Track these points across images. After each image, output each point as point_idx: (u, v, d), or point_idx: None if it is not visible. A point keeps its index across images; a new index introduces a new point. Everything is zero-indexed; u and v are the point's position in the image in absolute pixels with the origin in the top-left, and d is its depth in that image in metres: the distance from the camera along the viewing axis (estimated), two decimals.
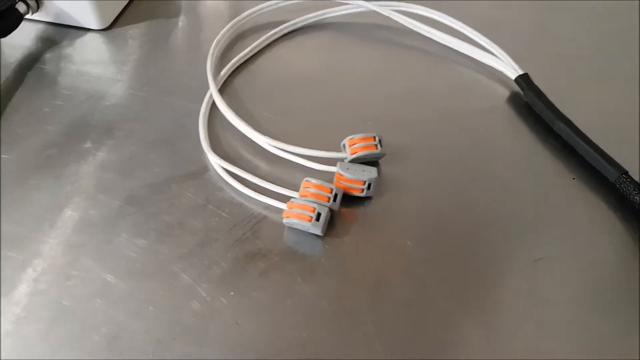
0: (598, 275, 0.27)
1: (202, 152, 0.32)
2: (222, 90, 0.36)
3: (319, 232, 0.28)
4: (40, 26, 0.40)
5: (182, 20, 0.42)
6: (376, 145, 0.30)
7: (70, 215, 0.29)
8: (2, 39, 0.38)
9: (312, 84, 0.37)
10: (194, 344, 0.24)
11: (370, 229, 0.29)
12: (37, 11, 0.39)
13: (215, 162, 0.31)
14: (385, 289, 0.26)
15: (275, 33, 0.40)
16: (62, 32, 0.40)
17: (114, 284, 0.26)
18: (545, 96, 0.34)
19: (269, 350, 0.24)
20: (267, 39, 0.40)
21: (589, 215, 0.30)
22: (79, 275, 0.26)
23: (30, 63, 0.38)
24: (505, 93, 0.37)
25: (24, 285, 0.26)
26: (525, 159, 0.33)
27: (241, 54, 0.38)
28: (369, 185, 0.29)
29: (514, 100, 0.36)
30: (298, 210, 0.28)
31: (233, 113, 0.32)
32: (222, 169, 0.30)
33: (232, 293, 0.26)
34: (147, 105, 0.35)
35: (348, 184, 0.29)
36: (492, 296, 0.26)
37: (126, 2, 0.42)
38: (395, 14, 0.39)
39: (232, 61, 0.37)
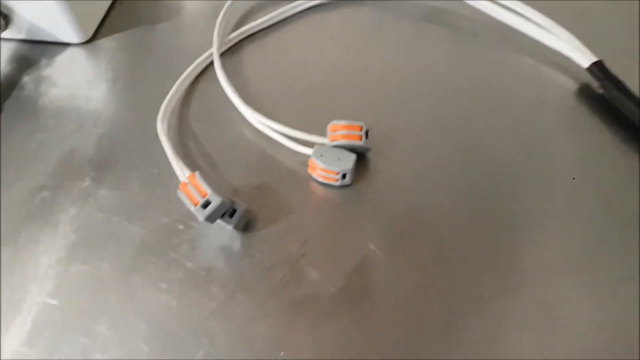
0: None
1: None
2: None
3: None
4: (12, 45, 0.34)
5: (166, 26, 0.36)
6: (360, 136, 0.26)
7: (77, 268, 0.24)
8: None
9: (333, 64, 0.33)
10: None
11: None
12: (6, 29, 0.33)
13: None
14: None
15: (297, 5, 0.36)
16: (37, 49, 0.35)
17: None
18: (627, 87, 0.29)
19: None
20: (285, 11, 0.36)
21: None
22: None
23: (7, 89, 0.31)
24: (571, 84, 0.32)
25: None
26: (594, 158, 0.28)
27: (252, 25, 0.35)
28: (344, 175, 0.26)
29: (584, 92, 0.31)
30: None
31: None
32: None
33: None
34: (145, 129, 0.29)
35: (321, 172, 0.26)
36: None
37: (106, 9, 0.36)
38: None
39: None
